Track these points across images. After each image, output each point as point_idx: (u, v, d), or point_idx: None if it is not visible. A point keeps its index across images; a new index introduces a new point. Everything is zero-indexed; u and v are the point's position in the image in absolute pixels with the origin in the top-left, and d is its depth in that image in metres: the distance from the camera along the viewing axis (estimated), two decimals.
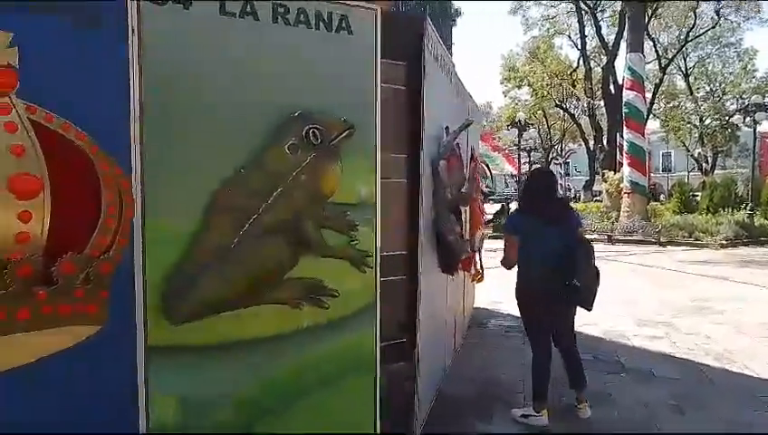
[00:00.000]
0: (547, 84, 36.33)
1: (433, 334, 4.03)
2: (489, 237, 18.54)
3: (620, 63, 21.85)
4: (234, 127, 2.65)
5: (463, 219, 4.16)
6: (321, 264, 2.95)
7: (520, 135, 20.07)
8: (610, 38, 29.97)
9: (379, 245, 3.14)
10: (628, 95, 18.57)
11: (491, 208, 28.57)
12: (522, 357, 5.16)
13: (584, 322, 6.47)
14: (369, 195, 3.11)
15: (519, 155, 21.12)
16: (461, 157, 4.09)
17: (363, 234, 3.08)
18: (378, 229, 3.13)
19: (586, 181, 35.22)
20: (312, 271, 2.93)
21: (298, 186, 2.78)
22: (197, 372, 2.66)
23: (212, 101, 2.59)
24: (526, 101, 40.80)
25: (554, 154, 47.55)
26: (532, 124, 29.78)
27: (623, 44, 22.19)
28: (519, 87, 39.21)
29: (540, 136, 46.25)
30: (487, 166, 7.63)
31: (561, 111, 39.48)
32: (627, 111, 18.57)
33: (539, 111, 40.97)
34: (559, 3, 33.31)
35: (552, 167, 48.44)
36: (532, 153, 33.24)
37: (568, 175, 54.80)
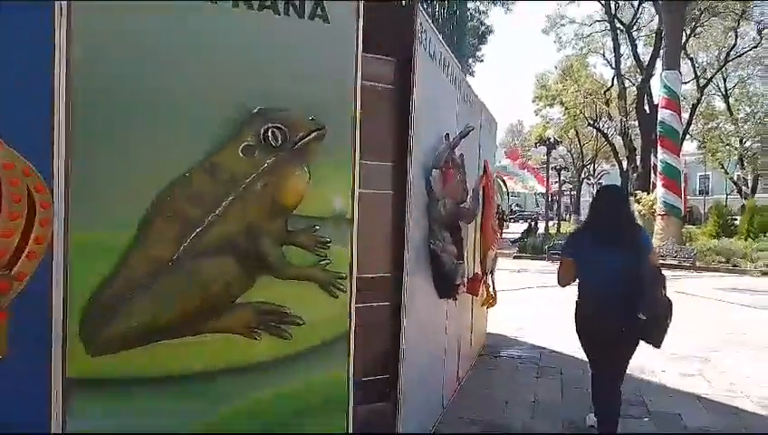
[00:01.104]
0: (580, 103, 35.50)
1: (427, 367, 3.56)
2: (514, 257, 18.04)
3: (656, 84, 21.12)
4: (183, 127, 2.28)
5: (465, 238, 3.69)
6: (282, 287, 2.54)
7: (548, 153, 19.44)
8: (646, 57, 29.15)
9: (355, 265, 2.71)
10: (663, 114, 17.82)
11: (519, 227, 28.04)
12: (532, 394, 4.64)
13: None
14: (344, 207, 2.70)
15: (548, 173, 20.44)
16: (462, 169, 3.64)
17: (336, 253, 2.66)
18: (354, 247, 2.71)
19: None
20: (272, 295, 2.52)
21: (253, 194, 2.38)
22: (126, 411, 2.25)
23: (155, 97, 2.22)
24: (558, 119, 40.02)
25: (586, 174, 46.46)
26: (560, 142, 28.94)
27: (659, 63, 21.41)
28: (551, 106, 38.43)
29: (571, 155, 45.30)
30: (504, 182, 7.13)
31: (594, 130, 38.57)
32: (661, 130, 17.81)
33: (571, 131, 40.12)
34: (593, 21, 32.67)
35: (584, 186, 47.46)
36: (562, 172, 32.35)
37: None
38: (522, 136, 59.13)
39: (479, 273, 5.06)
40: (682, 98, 22.44)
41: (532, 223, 25.41)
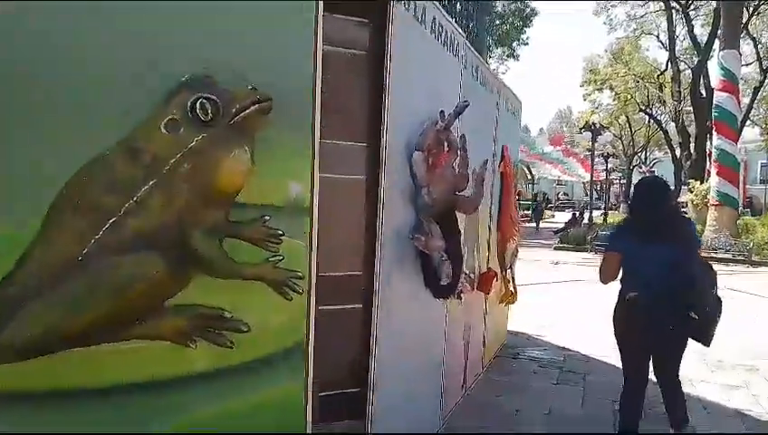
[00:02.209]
0: (631, 88, 33.92)
1: (418, 377, 3.16)
2: (554, 248, 17.29)
3: (714, 67, 19.74)
4: (95, 102, 1.92)
5: (466, 231, 3.25)
6: (226, 288, 2.18)
7: (593, 139, 18.47)
8: (703, 39, 27.46)
9: (314, 262, 2.32)
10: (719, 97, 16.64)
11: (566, 217, 26.93)
12: (546, 404, 4.16)
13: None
14: (301, 195, 2.30)
15: (593, 160, 19.45)
16: (464, 152, 3.19)
17: (291, 248, 2.28)
18: (314, 241, 2.32)
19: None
20: (214, 298, 2.17)
21: (179, 178, 2.00)
22: (28, 428, 1.94)
23: (60, 72, 1.86)
24: (608, 105, 38.44)
25: (638, 162, 44.57)
26: (606, 127, 27.57)
27: (717, 45, 20.00)
28: (600, 90, 36.89)
29: (622, 142, 43.54)
30: (529, 169, 6.58)
31: (646, 116, 36.89)
32: (717, 114, 16.63)
33: (621, 117, 38.51)
34: (647, 1, 31.00)
35: (635, 174, 45.60)
36: (609, 159, 30.92)
37: None
38: (570, 122, 57.23)
39: (493, 268, 4.59)
40: (743, 81, 21.05)
41: (577, 213, 24.41)
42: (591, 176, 19.52)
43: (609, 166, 36.52)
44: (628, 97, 34.82)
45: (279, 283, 2.26)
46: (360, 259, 2.55)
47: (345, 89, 2.47)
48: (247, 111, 2.06)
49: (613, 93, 35.91)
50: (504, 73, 43.51)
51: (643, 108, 35.94)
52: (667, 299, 3.03)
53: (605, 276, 3.25)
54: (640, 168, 44.18)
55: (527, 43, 30.77)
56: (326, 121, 2.40)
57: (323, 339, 2.47)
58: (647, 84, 34.08)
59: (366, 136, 2.54)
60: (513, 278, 5.42)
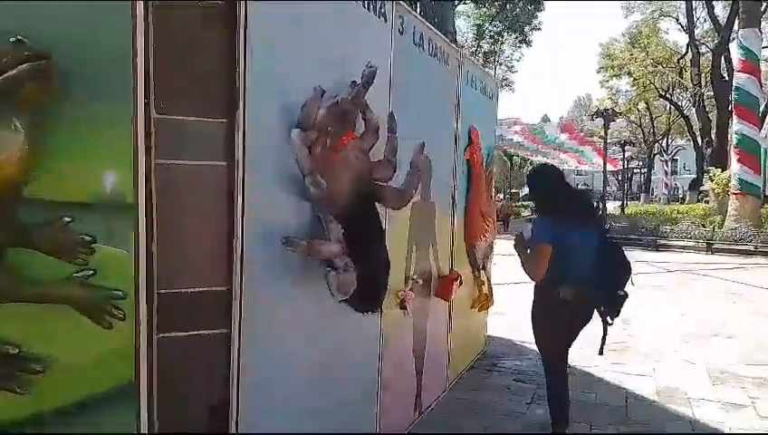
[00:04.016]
0: (649, 73, 32.76)
1: (335, 411, 2.58)
2: None
3: (734, 48, 18.67)
4: None
5: (384, 229, 2.66)
6: (14, 315, 1.64)
7: (606, 126, 17.58)
8: (724, 21, 26.27)
9: (143, 276, 1.77)
10: (739, 78, 15.69)
11: None
12: (517, 426, 3.56)
13: (633, 371, 4.71)
14: (120, 188, 1.75)
15: (605, 148, 18.53)
16: (390, 134, 2.60)
17: (109, 258, 1.73)
18: (142, 248, 1.76)
19: (692, 180, 31.46)
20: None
21: None
22: None
23: None
24: (626, 91, 37.29)
25: (659, 150, 43.24)
26: (620, 113, 26.50)
27: (737, 24, 18.94)
28: (618, 77, 35.77)
29: (642, 130, 42.29)
30: (507, 156, 5.94)
31: (667, 102, 35.68)
32: (737, 96, 15.69)
33: (641, 103, 37.34)
34: None
35: (656, 163, 44.28)
36: (627, 147, 29.78)
37: (675, 173, 49.95)
38: (590, 110, 55.88)
39: (455, 271, 3.99)
40: (764, 61, 19.99)
41: (600, 202, 23.41)
42: (605, 164, 18.60)
43: (629, 154, 35.42)
44: (647, 82, 33.71)
45: (90, 305, 1.71)
46: (225, 271, 1.98)
47: (196, 49, 1.90)
48: (11, 73, 1.50)
49: (631, 79, 34.80)
50: (518, 61, 42.50)
51: (663, 93, 34.79)
52: (596, 284, 3.07)
53: (540, 272, 3.09)
54: (661, 156, 42.93)
55: (539, 29, 29.88)
56: (167, 91, 1.84)
57: (174, 374, 1.92)
58: (666, 69, 32.95)
59: (226, 111, 1.96)
60: (488, 279, 4.81)
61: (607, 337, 3.29)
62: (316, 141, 2.16)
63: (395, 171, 2.67)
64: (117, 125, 1.71)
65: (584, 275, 3.06)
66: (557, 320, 3.19)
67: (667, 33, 35.23)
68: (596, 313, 3.26)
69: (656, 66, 32.77)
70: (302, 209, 2.21)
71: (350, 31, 2.57)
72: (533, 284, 3.28)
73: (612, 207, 29.02)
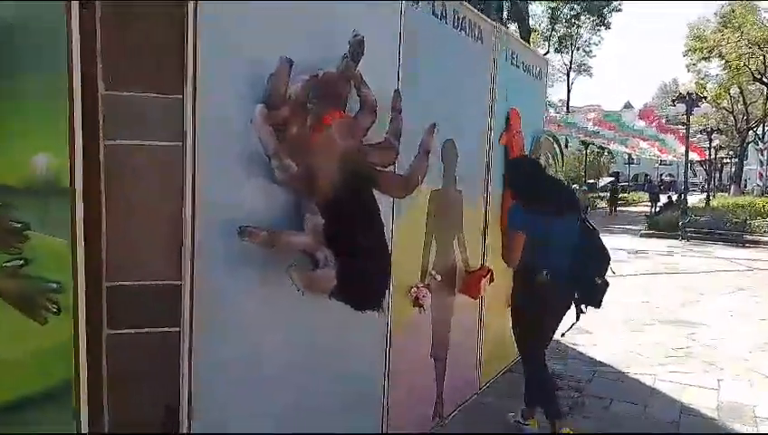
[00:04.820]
0: (743, 55, 30.26)
1: (326, 412, 2.37)
2: (641, 235, 15.57)
3: None
4: None
5: (381, 219, 2.39)
6: None
7: (688, 112, 16.29)
8: None
9: (82, 266, 1.62)
10: None
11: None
12: None
13: (694, 381, 4.22)
14: (53, 170, 1.60)
15: (687, 135, 17.18)
16: (395, 113, 2.34)
17: (45, 248, 1.59)
18: (78, 236, 1.61)
19: None
20: None
21: None
22: None
23: None
24: (717, 75, 34.71)
25: (754, 138, 40.01)
26: (704, 98, 24.54)
27: None
28: (707, 59, 33.33)
29: (734, 116, 39.27)
30: (558, 142, 5.50)
31: (763, 86, 32.88)
32: None
33: (733, 88, 34.63)
34: None
35: (750, 152, 41.10)
36: (714, 135, 27.57)
37: None
38: (676, 95, 52.56)
39: (486, 267, 3.67)
40: None
41: (677, 195, 21.99)
42: (686, 153, 17.22)
43: (717, 143, 32.99)
44: (741, 65, 31.16)
45: (22, 298, 1.57)
46: (177, 262, 1.80)
47: (148, 16, 1.71)
48: None
49: (723, 62, 32.31)
50: (596, 45, 40.48)
51: (759, 77, 32.07)
52: (574, 271, 3.06)
53: (516, 257, 3.10)
54: (756, 144, 39.73)
55: (620, 10, 28.28)
56: (113, 64, 1.68)
57: (125, 372, 1.77)
58: (763, 50, 30.33)
59: (179, 85, 1.76)
60: None
61: (575, 323, 3.27)
62: (291, 119, 1.94)
63: (397, 155, 2.41)
64: (44, 101, 1.57)
65: (560, 263, 3.05)
66: (532, 307, 3.16)
67: (765, 12, 32.32)
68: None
69: (751, 47, 30.23)
70: (275, 196, 1.99)
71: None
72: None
73: (697, 199, 27.16)
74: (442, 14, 3.03)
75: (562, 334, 3.37)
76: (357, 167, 2.19)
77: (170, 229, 1.78)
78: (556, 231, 3.05)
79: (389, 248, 2.50)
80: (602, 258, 3.15)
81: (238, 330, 1.94)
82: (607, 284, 3.15)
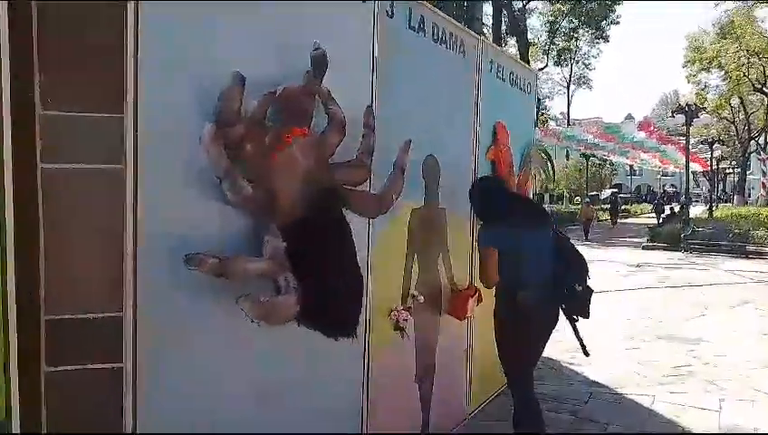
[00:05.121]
0: (743, 65, 30.26)
1: None
2: (643, 247, 15.36)
3: None
4: None
5: (352, 241, 2.27)
6: None
7: (688, 123, 16.18)
8: None
9: (12, 299, 1.50)
10: None
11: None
12: None
13: (695, 402, 4.05)
14: None
15: (688, 145, 17.06)
16: (367, 130, 2.23)
17: None
18: (11, 266, 1.50)
19: None
20: None
21: None
22: None
23: None
24: (717, 86, 34.68)
25: (756, 148, 39.84)
26: (703, 108, 24.45)
27: None
28: (707, 70, 33.35)
29: (735, 127, 39.17)
30: (548, 156, 5.38)
31: (764, 96, 32.81)
32: None
33: (734, 98, 34.58)
34: None
35: (753, 162, 40.92)
36: (716, 146, 27.44)
37: None
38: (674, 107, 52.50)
39: (473, 286, 3.53)
40: None
41: (684, 206, 21.74)
42: (687, 164, 17.11)
43: (719, 153, 32.81)
44: (741, 75, 31.15)
45: None
46: (117, 292, 1.68)
47: (88, 33, 1.61)
48: None
49: (723, 72, 32.31)
50: (595, 57, 40.53)
51: (759, 87, 32.03)
52: (552, 284, 2.99)
53: (494, 276, 2.96)
54: (758, 154, 39.57)
55: (618, 23, 28.31)
56: (51, 82, 1.57)
57: (65, 412, 1.64)
58: (762, 60, 30.32)
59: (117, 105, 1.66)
60: None
61: (581, 336, 3.09)
62: (247, 137, 1.83)
63: (369, 173, 2.30)
64: None
65: (537, 277, 2.98)
66: (516, 326, 3.01)
67: (763, 21, 32.34)
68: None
69: (750, 57, 30.23)
70: (231, 219, 1.87)
71: (307, 11, 2.20)
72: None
73: (700, 210, 26.94)
74: (419, 26, 2.93)
75: (585, 354, 3.16)
76: (323, 186, 2.09)
77: (111, 259, 1.66)
78: (527, 245, 2.95)
79: (364, 270, 2.38)
80: (579, 265, 3.07)
81: (190, 366, 1.81)
82: (590, 290, 3.06)
